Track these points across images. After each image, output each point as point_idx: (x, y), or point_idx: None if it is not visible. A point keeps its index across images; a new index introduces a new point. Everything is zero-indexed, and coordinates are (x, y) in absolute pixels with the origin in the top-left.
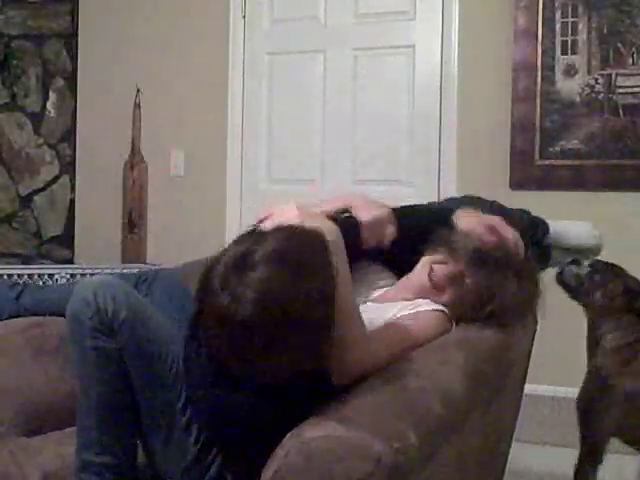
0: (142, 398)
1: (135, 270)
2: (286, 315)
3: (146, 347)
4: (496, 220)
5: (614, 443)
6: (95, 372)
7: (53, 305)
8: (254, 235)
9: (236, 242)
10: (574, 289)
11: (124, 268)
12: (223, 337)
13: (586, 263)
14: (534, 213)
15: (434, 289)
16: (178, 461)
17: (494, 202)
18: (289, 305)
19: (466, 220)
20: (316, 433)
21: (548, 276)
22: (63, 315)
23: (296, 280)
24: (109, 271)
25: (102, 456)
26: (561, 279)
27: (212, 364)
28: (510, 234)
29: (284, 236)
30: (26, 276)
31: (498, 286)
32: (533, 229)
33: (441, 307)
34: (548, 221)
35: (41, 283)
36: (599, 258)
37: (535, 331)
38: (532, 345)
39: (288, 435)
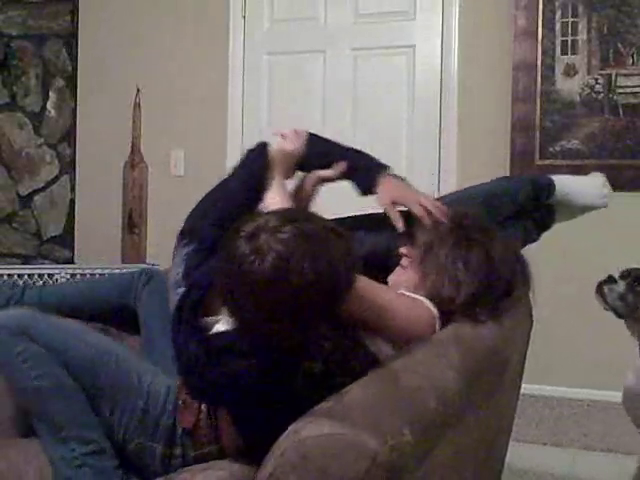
0: (80, 382)
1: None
2: (297, 283)
3: (70, 342)
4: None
5: (614, 442)
6: (33, 371)
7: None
8: (291, 213)
9: (271, 212)
10: (623, 312)
11: (124, 268)
12: (236, 285)
13: (616, 275)
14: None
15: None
16: (125, 432)
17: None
18: (301, 279)
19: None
20: (312, 432)
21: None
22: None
23: (316, 262)
24: (109, 271)
25: (79, 447)
26: (609, 306)
27: (201, 347)
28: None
29: (318, 225)
30: (26, 276)
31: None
32: (536, 196)
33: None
34: (556, 179)
35: (41, 283)
36: (628, 267)
37: (531, 328)
38: (528, 343)
39: (284, 434)
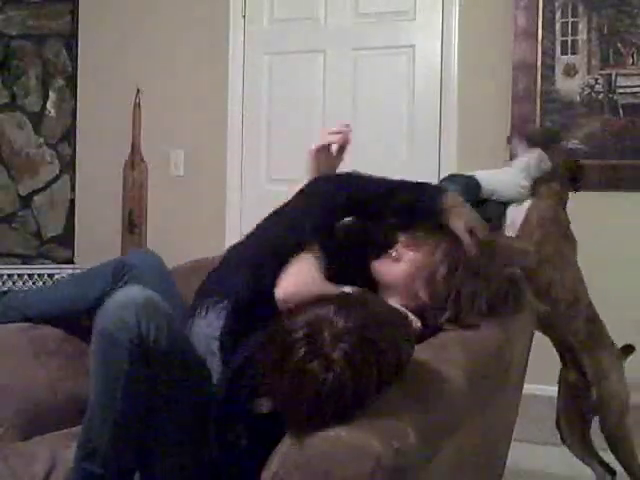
0: (160, 422)
1: None
2: (361, 390)
3: (179, 381)
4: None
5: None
6: (122, 394)
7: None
8: (346, 303)
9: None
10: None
11: None
12: (301, 400)
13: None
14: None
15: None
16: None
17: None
18: (367, 381)
19: (455, 218)
20: (315, 434)
21: None
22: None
23: (376, 358)
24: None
25: (102, 470)
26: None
27: (255, 445)
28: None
29: (371, 312)
30: (26, 276)
31: (459, 277)
32: (469, 195)
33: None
34: (476, 176)
35: (41, 283)
36: None
37: (533, 331)
38: (530, 345)
39: (287, 436)
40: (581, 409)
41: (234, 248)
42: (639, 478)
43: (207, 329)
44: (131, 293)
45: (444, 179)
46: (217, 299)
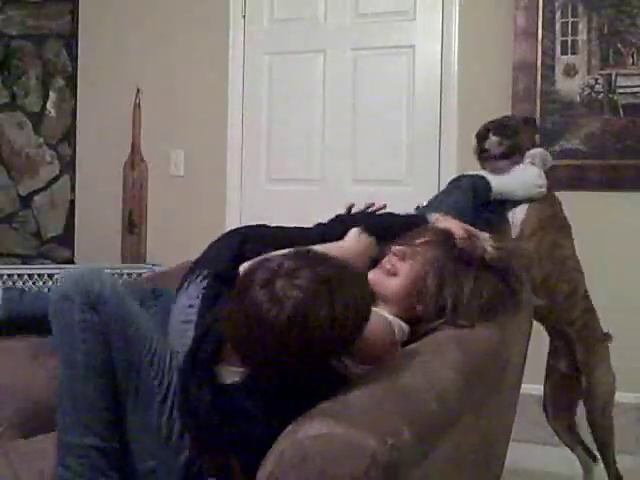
0: (121, 376)
1: (135, 270)
2: (314, 336)
3: (126, 327)
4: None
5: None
6: (81, 345)
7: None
8: (309, 254)
9: (294, 253)
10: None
11: (124, 268)
12: (245, 329)
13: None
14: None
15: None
16: (152, 442)
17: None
18: (321, 328)
19: (445, 223)
20: (311, 432)
21: None
22: None
23: (334, 309)
24: (109, 271)
25: (86, 437)
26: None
27: (215, 403)
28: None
29: (335, 266)
30: (26, 276)
31: (453, 283)
32: (476, 197)
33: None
34: (491, 179)
35: (41, 283)
36: None
37: (531, 329)
38: (528, 344)
39: (283, 434)
40: (568, 395)
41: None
42: (612, 464)
43: (187, 300)
44: (79, 268)
45: (452, 180)
46: (199, 272)
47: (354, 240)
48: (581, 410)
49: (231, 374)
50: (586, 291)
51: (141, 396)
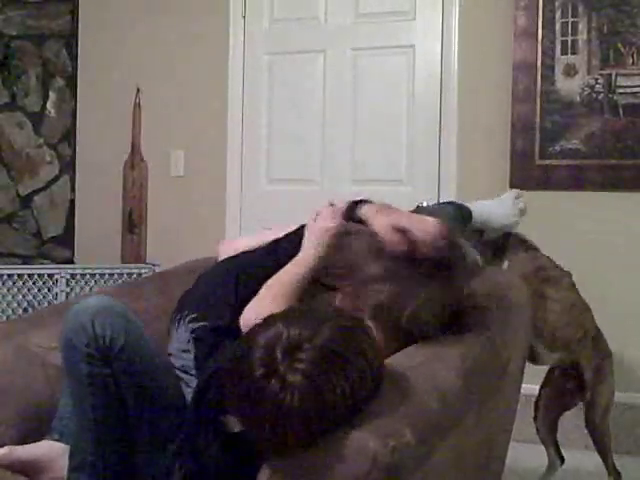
0: (135, 426)
1: (135, 270)
2: (325, 409)
3: (141, 378)
4: (407, 220)
5: (613, 442)
6: (90, 398)
7: None
8: (303, 319)
9: (284, 320)
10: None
11: (124, 268)
12: (263, 422)
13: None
14: (534, 213)
15: None
16: None
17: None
18: (333, 400)
19: (378, 221)
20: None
21: None
22: None
23: (341, 376)
24: (109, 271)
25: (94, 478)
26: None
27: (228, 457)
28: (422, 233)
29: (334, 326)
30: (26, 276)
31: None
32: (459, 222)
33: None
34: (470, 206)
35: (41, 283)
36: None
37: (531, 331)
38: (528, 345)
39: None
40: (563, 404)
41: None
42: (612, 466)
43: (178, 344)
44: (87, 300)
45: (440, 204)
46: (188, 313)
47: (308, 249)
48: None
49: (235, 424)
50: (595, 323)
51: (154, 444)
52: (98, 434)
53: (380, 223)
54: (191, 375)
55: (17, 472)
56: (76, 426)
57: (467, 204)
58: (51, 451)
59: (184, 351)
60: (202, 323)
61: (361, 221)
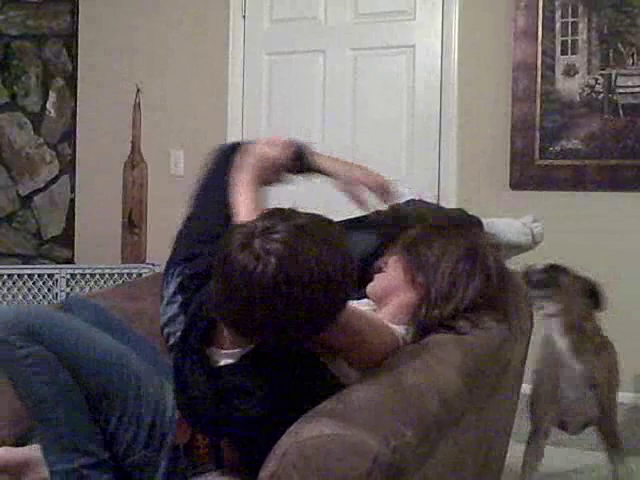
0: (89, 387)
1: (135, 270)
2: (305, 283)
3: (77, 341)
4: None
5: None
6: (34, 377)
7: None
8: (278, 212)
9: (261, 216)
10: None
11: (124, 268)
12: (238, 297)
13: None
14: (534, 213)
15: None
16: (131, 443)
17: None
18: (310, 273)
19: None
20: (313, 432)
21: None
22: None
23: (319, 250)
24: (109, 271)
25: (76, 461)
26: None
27: (208, 384)
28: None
29: (308, 217)
30: (26, 276)
31: (461, 279)
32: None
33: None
34: (483, 221)
35: (41, 283)
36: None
37: (531, 331)
38: (528, 345)
39: (285, 434)
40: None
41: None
42: (621, 442)
43: (168, 298)
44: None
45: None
46: (173, 270)
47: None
48: None
49: (224, 356)
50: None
51: (121, 396)
52: (58, 406)
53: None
54: (179, 324)
55: (10, 474)
56: (34, 416)
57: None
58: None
59: (171, 303)
60: (186, 272)
61: (314, 169)
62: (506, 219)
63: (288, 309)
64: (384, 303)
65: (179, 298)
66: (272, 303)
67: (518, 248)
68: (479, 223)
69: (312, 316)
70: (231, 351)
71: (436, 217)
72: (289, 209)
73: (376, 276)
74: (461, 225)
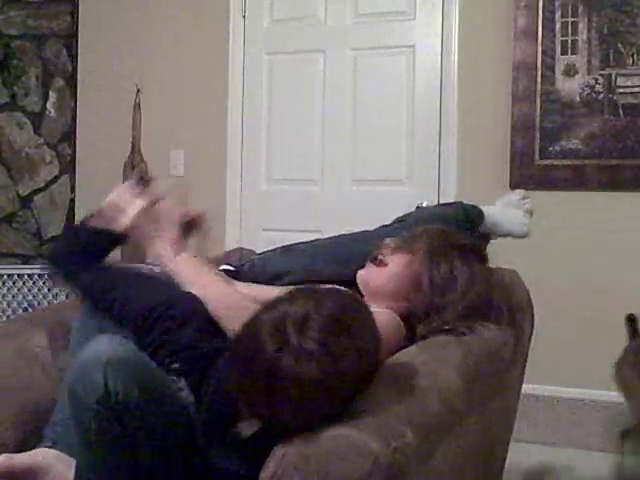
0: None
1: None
2: (343, 377)
3: (154, 432)
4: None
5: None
6: (97, 452)
7: None
8: (305, 296)
9: (289, 300)
10: None
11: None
12: (284, 399)
13: None
14: (534, 213)
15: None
16: None
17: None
18: (347, 367)
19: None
20: (314, 433)
21: None
22: None
23: (352, 341)
24: None
25: None
26: None
27: (242, 463)
28: None
29: (337, 299)
30: (26, 276)
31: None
32: (469, 222)
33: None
34: (482, 208)
35: (41, 283)
36: None
37: (532, 331)
38: (529, 345)
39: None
40: None
41: None
42: None
43: None
44: (99, 348)
45: (443, 205)
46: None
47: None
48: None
49: (249, 427)
50: None
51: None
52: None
53: None
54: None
55: None
56: (78, 462)
57: (480, 207)
58: (46, 458)
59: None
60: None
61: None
62: (505, 206)
63: (330, 400)
64: (374, 299)
65: (183, 381)
66: (314, 399)
67: (515, 235)
68: (480, 214)
69: (351, 399)
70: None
71: (449, 232)
72: (312, 290)
73: (373, 268)
74: (474, 247)
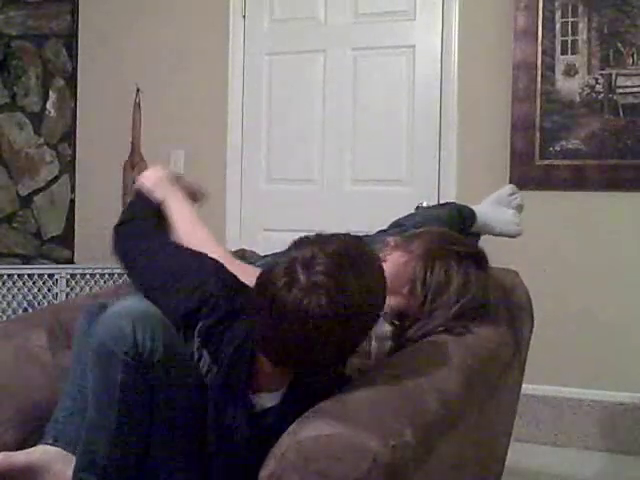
0: (156, 434)
1: None
2: (352, 309)
3: (174, 393)
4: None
5: (614, 442)
6: (117, 405)
7: None
8: (311, 241)
9: (295, 247)
10: None
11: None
12: (294, 334)
13: None
14: (534, 213)
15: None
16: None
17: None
18: (358, 296)
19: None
20: (313, 432)
21: None
22: None
23: (359, 277)
24: (109, 271)
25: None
26: None
27: (254, 424)
28: None
29: (341, 240)
30: (26, 276)
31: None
32: (462, 223)
33: None
34: (476, 209)
35: (41, 283)
36: None
37: (532, 331)
38: (529, 345)
39: (284, 434)
40: None
41: None
42: None
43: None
44: (127, 304)
45: (439, 205)
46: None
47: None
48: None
49: (266, 400)
50: None
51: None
52: (116, 439)
53: None
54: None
55: (12, 478)
56: (91, 424)
57: (472, 206)
58: (46, 455)
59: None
60: (203, 327)
61: None
62: (496, 205)
63: (345, 334)
64: None
65: (204, 353)
66: (329, 333)
67: (508, 234)
68: (473, 215)
69: (364, 333)
70: (272, 394)
71: (450, 235)
72: (317, 235)
73: None
74: (474, 253)
